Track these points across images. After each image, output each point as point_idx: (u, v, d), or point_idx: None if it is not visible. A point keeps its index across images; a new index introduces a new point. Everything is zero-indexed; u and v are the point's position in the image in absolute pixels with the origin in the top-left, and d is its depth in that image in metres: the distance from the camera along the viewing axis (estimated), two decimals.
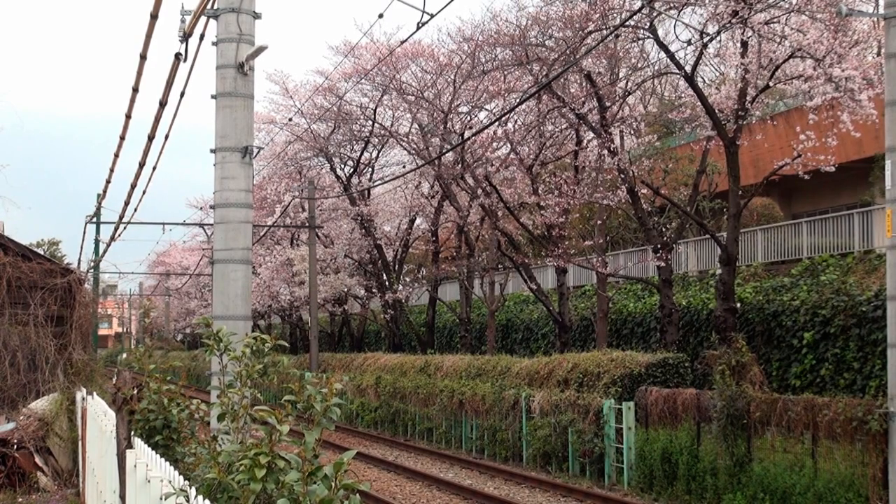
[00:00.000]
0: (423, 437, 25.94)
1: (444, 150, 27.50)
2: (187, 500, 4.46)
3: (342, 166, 38.78)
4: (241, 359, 5.78)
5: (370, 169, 38.52)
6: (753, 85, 20.14)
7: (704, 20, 20.19)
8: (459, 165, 27.40)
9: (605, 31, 19.98)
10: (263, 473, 4.24)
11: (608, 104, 22.54)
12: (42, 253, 24.64)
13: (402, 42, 25.40)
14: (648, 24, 20.67)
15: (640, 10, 19.43)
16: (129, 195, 21.42)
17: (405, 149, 33.28)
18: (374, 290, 38.20)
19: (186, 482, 4.93)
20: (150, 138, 15.08)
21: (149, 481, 5.36)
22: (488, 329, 31.15)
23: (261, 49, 10.44)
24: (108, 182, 23.44)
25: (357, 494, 4.04)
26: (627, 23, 19.75)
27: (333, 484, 3.98)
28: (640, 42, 23.14)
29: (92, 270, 31.43)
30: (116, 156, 18.99)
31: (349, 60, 31.54)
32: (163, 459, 5.93)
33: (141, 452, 6.33)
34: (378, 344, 43.28)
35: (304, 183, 36.22)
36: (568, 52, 21.22)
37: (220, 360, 6.16)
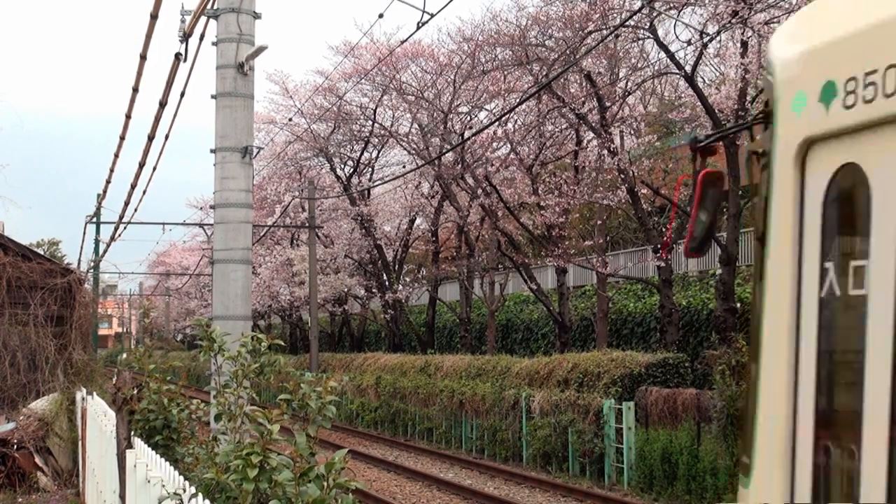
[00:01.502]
0: (423, 437, 25.94)
1: (444, 150, 27.51)
2: (188, 501, 4.46)
3: (342, 166, 38.79)
4: (236, 359, 5.77)
5: (370, 169, 38.52)
6: (753, 85, 20.14)
7: (704, 20, 20.20)
8: (459, 165, 27.41)
9: (605, 31, 19.99)
10: (255, 473, 4.25)
11: (608, 104, 22.55)
12: (42, 253, 24.64)
13: (402, 42, 25.41)
14: (648, 24, 20.67)
15: (640, 10, 19.44)
16: (129, 195, 21.45)
17: (405, 149, 33.29)
18: (374, 290, 38.21)
19: (186, 482, 4.93)
20: (150, 138, 15.10)
21: (149, 481, 5.36)
22: (488, 329, 31.15)
23: (261, 49, 10.45)
24: (108, 182, 23.46)
25: (350, 494, 4.04)
26: (627, 23, 19.76)
27: (326, 483, 3.98)
28: (640, 42, 23.15)
29: (92, 270, 31.44)
30: (116, 156, 19.02)
31: (349, 60, 31.55)
32: (163, 459, 5.93)
33: (141, 452, 6.33)
34: (378, 344, 43.29)
35: (304, 183, 36.23)
36: (568, 52, 21.23)
37: (214, 360, 6.17)
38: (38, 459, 14.96)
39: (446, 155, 27.45)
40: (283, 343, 6.14)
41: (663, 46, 20.94)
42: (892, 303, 3.36)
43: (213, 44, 10.67)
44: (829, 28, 3.92)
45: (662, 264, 22.16)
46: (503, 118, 23.58)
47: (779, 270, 4.04)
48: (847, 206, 3.81)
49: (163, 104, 13.22)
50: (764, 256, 4.09)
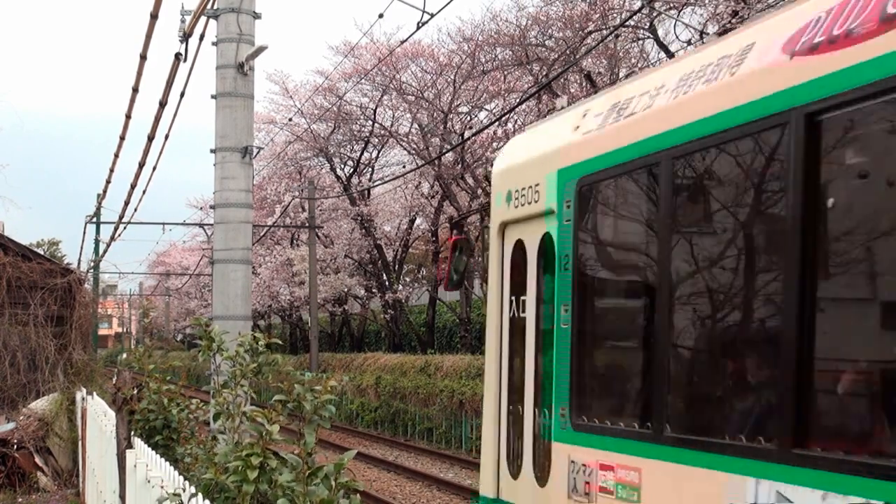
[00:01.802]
0: (423, 437, 25.94)
1: (444, 150, 27.51)
2: (187, 501, 4.46)
3: (342, 166, 38.79)
4: (234, 358, 5.77)
5: (370, 169, 38.53)
6: None
7: (704, 20, 20.20)
8: (459, 165, 27.41)
9: (605, 31, 19.99)
10: (256, 475, 4.23)
11: None
12: (42, 253, 24.64)
13: (402, 42, 25.40)
14: (648, 24, 20.68)
15: (640, 10, 19.45)
16: (129, 195, 21.47)
17: (405, 149, 33.30)
18: (374, 290, 38.20)
19: (186, 482, 4.93)
20: (150, 138, 15.10)
21: (149, 481, 5.37)
22: None
23: (261, 49, 10.45)
24: (108, 182, 23.47)
25: (357, 494, 4.04)
26: (627, 23, 19.77)
27: (333, 484, 3.97)
28: (640, 42, 23.14)
29: (92, 270, 31.42)
30: (116, 156, 19.03)
31: (349, 60, 31.55)
32: (163, 459, 5.93)
33: (141, 452, 6.33)
34: (378, 344, 43.28)
35: (304, 183, 36.22)
36: (568, 52, 21.24)
37: (213, 360, 6.16)
38: (38, 459, 14.96)
39: (446, 155, 27.45)
40: (281, 342, 6.15)
41: (663, 46, 20.94)
42: (534, 322, 6.11)
43: (213, 44, 10.67)
44: (510, 157, 6.81)
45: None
46: (503, 118, 23.58)
47: (492, 300, 6.78)
48: (519, 264, 6.37)
49: (163, 104, 13.21)
50: (487, 291, 7.09)
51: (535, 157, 6.27)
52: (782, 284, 4.16)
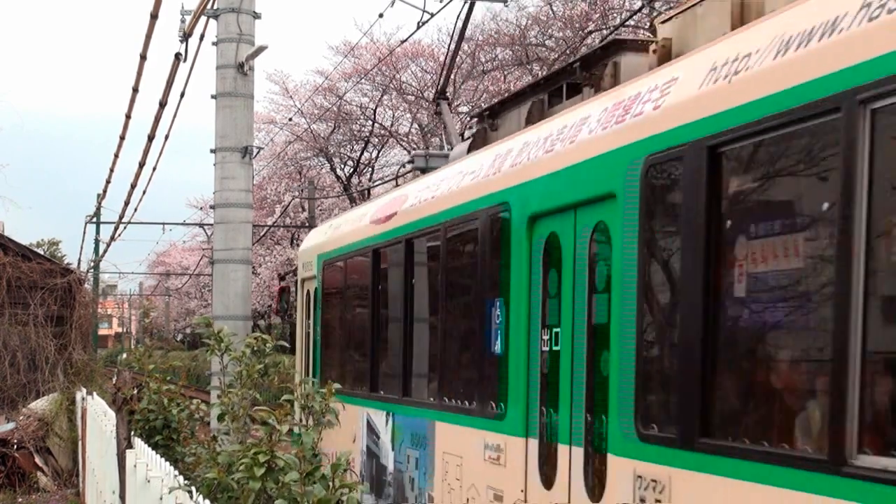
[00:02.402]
0: None
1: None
2: (191, 497, 4.46)
3: (342, 166, 38.78)
4: (241, 359, 5.77)
5: (370, 169, 38.51)
6: None
7: None
8: None
9: (605, 31, 20.00)
10: (262, 472, 4.23)
11: None
12: (42, 253, 24.63)
13: (402, 42, 25.39)
14: (648, 24, 20.68)
15: (639, 10, 19.46)
16: (129, 195, 21.47)
17: (405, 149, 33.29)
18: None
19: (187, 482, 4.93)
20: (150, 138, 15.10)
21: (149, 481, 5.36)
22: None
23: (261, 49, 10.46)
24: (108, 182, 23.46)
25: (355, 493, 4.04)
26: (627, 23, 19.77)
27: (331, 484, 3.97)
28: None
29: (92, 270, 31.40)
30: (116, 156, 19.03)
31: (349, 60, 31.54)
32: (163, 459, 5.93)
33: (141, 452, 6.33)
34: None
35: (304, 183, 36.23)
36: (568, 52, 21.24)
37: (220, 360, 6.16)
38: (38, 459, 14.96)
39: None
40: (286, 344, 6.15)
41: None
42: (312, 335, 11.88)
43: (213, 44, 10.68)
44: (307, 243, 12.82)
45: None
46: None
47: (298, 321, 12.99)
48: (309, 303, 12.00)
49: (163, 104, 13.21)
50: (295, 318, 15.76)
51: (313, 245, 11.61)
52: (365, 328, 9.85)
